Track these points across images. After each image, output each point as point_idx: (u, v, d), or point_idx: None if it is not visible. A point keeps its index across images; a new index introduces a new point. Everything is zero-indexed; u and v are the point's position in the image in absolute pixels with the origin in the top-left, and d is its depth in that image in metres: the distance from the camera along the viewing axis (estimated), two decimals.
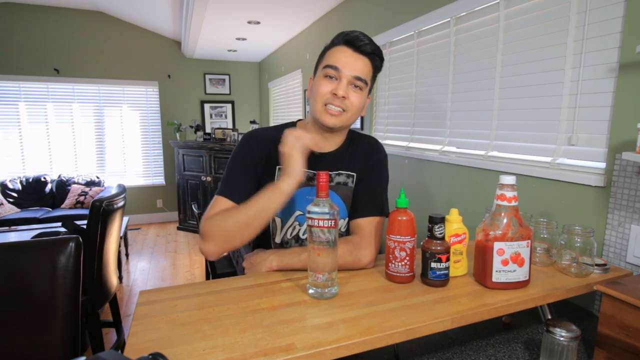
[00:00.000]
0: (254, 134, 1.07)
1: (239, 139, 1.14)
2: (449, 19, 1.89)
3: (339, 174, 1.06)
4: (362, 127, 2.85)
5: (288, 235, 1.07)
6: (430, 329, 0.72)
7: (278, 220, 1.06)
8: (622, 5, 1.11)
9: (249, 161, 1.01)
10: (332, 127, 1.00)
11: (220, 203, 0.97)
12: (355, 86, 0.97)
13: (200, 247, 0.94)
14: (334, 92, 0.96)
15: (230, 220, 0.90)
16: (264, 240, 1.10)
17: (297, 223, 1.06)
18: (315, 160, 1.02)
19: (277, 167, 1.03)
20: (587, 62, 1.23)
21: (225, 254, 0.98)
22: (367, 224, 1.00)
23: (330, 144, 1.06)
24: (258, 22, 3.77)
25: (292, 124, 1.11)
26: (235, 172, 1.01)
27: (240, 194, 0.96)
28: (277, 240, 1.08)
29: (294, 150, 0.90)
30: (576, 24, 1.27)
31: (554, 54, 1.35)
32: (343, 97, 0.96)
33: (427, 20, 2.03)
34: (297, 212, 1.06)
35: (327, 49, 1.01)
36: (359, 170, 1.07)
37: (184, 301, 0.81)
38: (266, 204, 0.89)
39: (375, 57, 0.99)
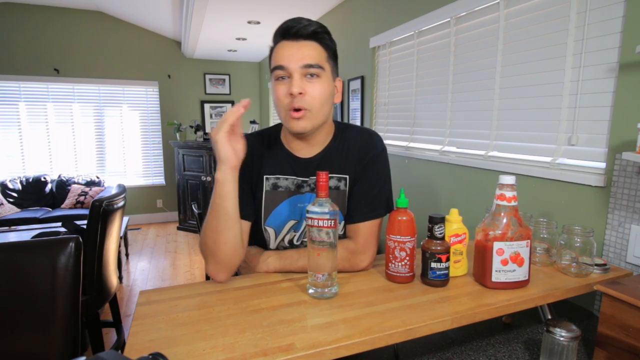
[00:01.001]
0: None
1: None
2: (449, 19, 1.89)
3: (329, 178, 0.97)
4: (362, 125, 2.85)
5: (285, 242, 1.03)
6: (430, 329, 0.72)
7: (271, 231, 1.01)
8: (622, 5, 1.11)
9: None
10: (302, 133, 0.91)
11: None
12: (311, 75, 0.87)
13: (206, 270, 0.91)
14: (289, 92, 0.87)
15: (206, 235, 0.86)
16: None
17: (292, 230, 1.02)
18: (303, 166, 0.98)
19: (265, 176, 0.99)
20: (587, 62, 1.23)
21: (232, 274, 0.91)
22: (364, 229, 0.96)
23: (314, 147, 0.98)
24: (258, 22, 3.77)
25: (274, 129, 1.04)
26: None
27: None
28: (272, 247, 1.04)
29: (218, 134, 0.79)
30: (576, 24, 1.27)
31: (554, 54, 1.35)
32: (300, 93, 0.86)
33: (427, 20, 2.03)
34: (291, 222, 1.01)
35: (271, 51, 0.93)
36: (352, 171, 0.99)
37: (184, 301, 0.81)
38: (215, 202, 0.83)
39: (320, 35, 0.89)
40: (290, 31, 0.88)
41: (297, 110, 0.87)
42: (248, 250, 1.01)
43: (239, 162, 0.84)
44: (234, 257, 0.87)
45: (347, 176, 1.00)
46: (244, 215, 0.92)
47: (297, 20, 0.88)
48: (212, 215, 0.85)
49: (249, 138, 0.99)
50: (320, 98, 0.89)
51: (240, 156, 0.84)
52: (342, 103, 3.19)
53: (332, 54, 0.93)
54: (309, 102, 0.88)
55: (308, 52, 0.87)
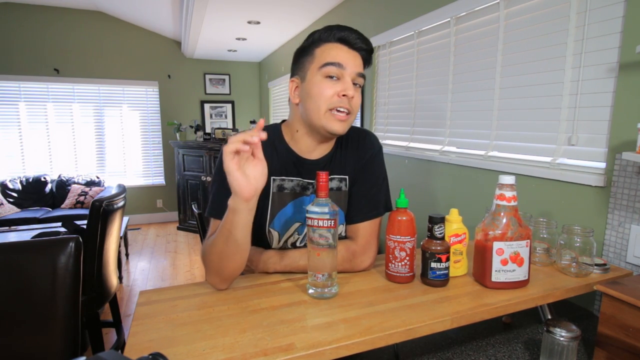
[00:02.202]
0: None
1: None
2: (449, 19, 1.89)
3: (331, 179, 0.98)
4: (362, 127, 2.85)
5: (288, 245, 1.02)
6: (430, 329, 0.72)
7: (275, 233, 0.99)
8: (622, 5, 1.11)
9: None
10: (339, 134, 0.92)
11: (212, 226, 0.90)
12: (357, 84, 0.91)
13: (207, 281, 0.88)
14: (343, 92, 0.87)
15: (212, 253, 0.83)
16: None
17: (296, 233, 1.01)
18: (308, 168, 0.98)
19: (272, 177, 0.97)
20: (587, 62, 1.23)
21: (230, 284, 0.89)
22: (364, 229, 0.96)
23: (323, 150, 0.99)
24: (258, 22, 3.77)
25: (273, 129, 1.01)
26: (223, 187, 0.88)
27: None
28: (275, 247, 1.03)
29: (227, 165, 0.72)
30: (576, 24, 1.27)
31: (554, 54, 1.35)
32: (353, 96, 0.88)
33: (427, 20, 2.03)
34: (296, 224, 1.00)
35: (314, 46, 0.91)
36: (351, 171, 1.00)
37: (184, 301, 0.81)
38: (225, 227, 0.78)
39: (369, 53, 0.94)
40: (350, 40, 0.89)
41: (344, 111, 0.89)
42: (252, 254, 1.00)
43: (255, 192, 0.76)
44: (238, 272, 0.85)
45: (347, 177, 1.01)
46: None
47: (355, 33, 0.90)
48: (220, 239, 0.80)
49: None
50: (358, 107, 0.93)
51: (259, 184, 0.76)
52: None
53: (367, 68, 0.97)
54: (353, 107, 0.90)
55: (360, 62, 0.91)
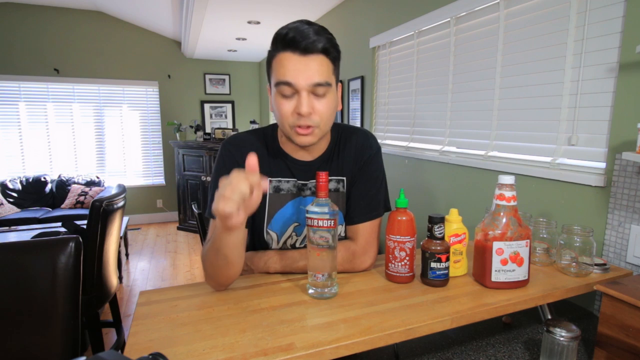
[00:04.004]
0: (235, 141, 0.97)
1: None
2: (449, 19, 1.89)
3: (329, 180, 0.94)
4: (362, 127, 2.85)
5: (287, 246, 1.01)
6: (430, 329, 0.72)
7: (274, 234, 0.99)
8: (622, 5, 1.11)
9: None
10: (307, 146, 0.89)
11: (212, 227, 0.89)
12: (318, 92, 0.83)
13: (206, 281, 0.89)
14: (297, 111, 0.82)
15: (206, 261, 0.83)
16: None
17: (294, 234, 1.00)
18: (303, 169, 0.97)
19: (268, 178, 0.96)
20: (587, 62, 1.23)
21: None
22: (365, 229, 0.96)
23: (315, 152, 0.97)
24: (258, 22, 3.77)
25: (271, 128, 1.00)
26: None
27: None
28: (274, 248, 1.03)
29: (227, 209, 0.66)
30: (576, 24, 1.27)
31: (554, 54, 1.35)
32: (309, 112, 0.82)
33: (427, 20, 2.03)
34: (294, 224, 1.00)
35: (271, 56, 0.85)
36: (349, 172, 0.99)
37: (184, 301, 0.81)
38: (216, 246, 0.78)
39: (329, 50, 0.82)
40: (297, 45, 0.79)
41: (305, 126, 0.84)
42: (248, 252, 1.00)
43: (239, 227, 0.73)
44: (233, 279, 0.86)
45: (345, 178, 1.00)
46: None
47: (304, 34, 0.79)
48: (211, 253, 0.79)
49: (249, 137, 0.99)
50: (327, 114, 0.86)
51: (254, 210, 0.72)
52: (342, 103, 3.19)
53: (337, 63, 0.88)
54: (317, 120, 0.84)
55: (316, 68, 0.81)
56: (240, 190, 0.66)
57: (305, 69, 0.80)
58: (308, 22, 0.82)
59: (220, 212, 0.67)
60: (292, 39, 0.79)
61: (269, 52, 0.86)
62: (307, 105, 0.82)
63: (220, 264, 0.80)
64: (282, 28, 0.82)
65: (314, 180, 0.91)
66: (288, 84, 0.81)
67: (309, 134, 0.85)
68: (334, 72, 0.86)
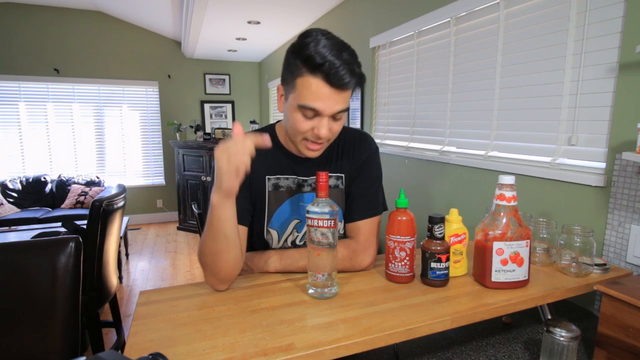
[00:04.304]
0: None
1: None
2: (449, 19, 1.89)
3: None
4: (362, 127, 2.85)
5: (288, 244, 1.02)
6: (430, 329, 0.72)
7: (274, 232, 1.00)
8: (622, 5, 1.11)
9: None
10: (312, 157, 0.94)
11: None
12: (338, 118, 0.86)
13: (206, 281, 0.88)
14: (316, 132, 0.85)
15: (204, 253, 0.83)
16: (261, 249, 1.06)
17: (295, 230, 1.01)
18: (303, 166, 0.99)
19: (267, 176, 0.98)
20: (587, 62, 1.23)
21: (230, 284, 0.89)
22: (365, 227, 0.97)
23: None
24: (258, 22, 3.77)
25: (271, 128, 1.02)
26: None
27: None
28: (275, 247, 1.03)
29: (229, 164, 0.73)
30: (576, 24, 1.27)
31: (554, 54, 1.35)
32: (328, 135, 0.86)
33: (427, 20, 2.03)
34: (295, 221, 1.01)
35: (297, 72, 0.82)
36: (348, 170, 1.01)
37: (184, 301, 0.81)
38: (212, 224, 0.80)
39: (358, 82, 0.85)
40: (331, 81, 0.79)
41: (316, 142, 0.88)
42: (248, 253, 1.00)
43: (233, 194, 0.79)
44: (234, 271, 0.86)
45: (344, 175, 1.02)
46: (242, 221, 0.91)
47: (340, 72, 0.78)
48: (210, 238, 0.81)
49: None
50: (339, 130, 0.90)
51: (235, 188, 0.77)
52: None
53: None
54: (330, 137, 0.89)
55: (343, 99, 0.83)
56: (247, 145, 0.74)
57: (334, 99, 0.82)
58: (341, 48, 0.80)
59: (234, 167, 0.73)
60: (327, 72, 0.78)
61: (296, 65, 0.81)
62: (328, 129, 0.85)
63: (221, 249, 0.81)
64: (315, 47, 0.78)
65: (314, 177, 0.92)
66: (314, 110, 0.83)
67: (319, 149, 0.91)
68: (350, 96, 0.88)
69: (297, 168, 0.99)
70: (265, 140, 0.78)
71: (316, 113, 0.83)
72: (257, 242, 1.02)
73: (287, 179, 0.99)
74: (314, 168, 0.98)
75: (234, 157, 0.73)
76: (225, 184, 0.75)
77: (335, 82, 0.79)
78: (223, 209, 0.79)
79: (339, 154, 1.01)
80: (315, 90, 0.80)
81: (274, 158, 0.99)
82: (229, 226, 0.81)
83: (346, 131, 1.03)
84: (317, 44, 0.79)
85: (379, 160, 1.05)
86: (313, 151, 0.91)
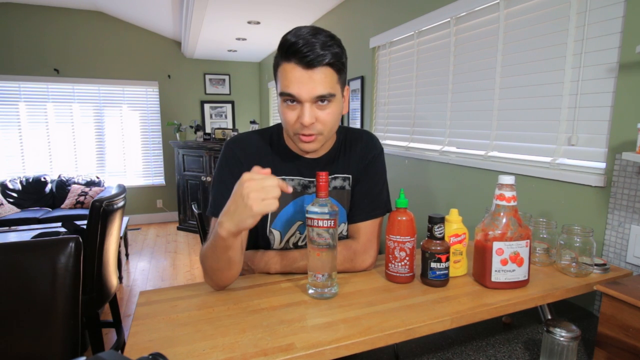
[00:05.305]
0: (239, 140, 0.98)
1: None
2: (449, 19, 1.89)
3: (334, 178, 0.99)
4: (362, 127, 2.85)
5: (290, 245, 1.02)
6: (430, 329, 0.72)
7: (277, 233, 0.99)
8: (622, 5, 1.11)
9: (238, 171, 0.83)
10: (310, 151, 0.91)
11: (213, 226, 0.89)
12: (322, 102, 0.83)
13: (204, 281, 0.89)
14: (300, 121, 0.83)
15: (206, 264, 0.83)
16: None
17: (298, 232, 1.01)
18: (309, 166, 0.98)
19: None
20: (587, 62, 1.23)
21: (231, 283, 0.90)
22: (366, 228, 0.97)
23: (321, 150, 0.98)
24: (258, 22, 3.77)
25: (277, 127, 1.01)
26: (225, 185, 0.91)
27: None
28: (276, 248, 1.03)
29: (261, 206, 0.70)
30: (576, 24, 1.27)
31: (554, 54, 1.35)
32: (312, 123, 0.83)
33: (427, 20, 2.03)
34: (298, 223, 1.00)
35: (276, 65, 0.85)
36: (355, 171, 1.01)
37: (184, 301, 0.81)
38: (221, 249, 0.77)
39: (334, 60, 0.81)
40: (302, 58, 0.78)
41: (307, 135, 0.86)
42: (248, 252, 1.00)
43: (246, 229, 0.75)
44: (233, 280, 0.86)
45: (351, 176, 1.01)
46: None
47: (311, 47, 0.77)
48: (212, 257, 0.79)
49: (253, 137, 0.99)
50: (331, 121, 0.86)
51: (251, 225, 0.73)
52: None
53: (344, 72, 0.87)
54: (320, 128, 0.85)
55: (320, 81, 0.80)
56: (274, 187, 0.70)
57: (309, 82, 0.80)
58: (316, 31, 0.80)
59: (264, 211, 0.70)
60: (297, 50, 0.78)
61: (275, 57, 0.85)
62: (310, 116, 0.82)
63: (223, 266, 0.81)
64: (290, 34, 0.80)
65: None
66: (291, 95, 0.81)
67: (312, 141, 0.87)
68: (338, 81, 0.85)
69: (302, 169, 0.98)
70: (289, 189, 0.75)
71: (296, 99, 0.82)
72: (259, 241, 1.02)
73: (292, 179, 0.98)
74: (319, 169, 0.97)
75: (267, 202, 0.70)
76: (249, 223, 0.72)
77: (306, 61, 0.78)
78: (233, 240, 0.76)
79: (347, 154, 1.01)
80: (290, 75, 0.80)
81: (280, 158, 0.98)
82: (236, 254, 0.79)
83: (353, 130, 1.04)
84: (294, 32, 0.80)
85: (384, 161, 1.04)
86: (307, 143, 0.87)
